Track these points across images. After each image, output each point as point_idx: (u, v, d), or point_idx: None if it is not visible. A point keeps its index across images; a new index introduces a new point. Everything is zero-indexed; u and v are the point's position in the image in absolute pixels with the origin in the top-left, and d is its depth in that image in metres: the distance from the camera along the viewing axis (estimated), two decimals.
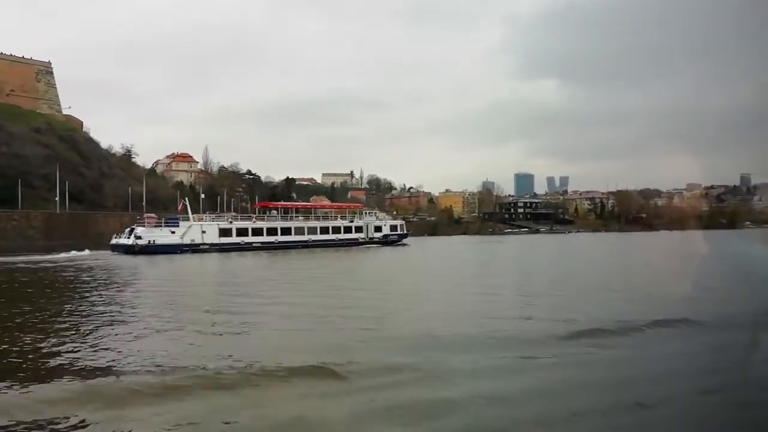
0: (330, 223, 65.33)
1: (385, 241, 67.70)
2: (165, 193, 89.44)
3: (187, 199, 59.68)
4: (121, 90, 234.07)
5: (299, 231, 61.14)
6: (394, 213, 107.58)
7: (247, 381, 8.21)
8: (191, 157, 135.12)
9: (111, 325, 13.35)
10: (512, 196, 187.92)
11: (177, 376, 8.48)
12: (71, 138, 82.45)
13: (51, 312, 15.88)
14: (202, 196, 76.32)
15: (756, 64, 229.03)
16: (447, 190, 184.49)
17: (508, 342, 10.92)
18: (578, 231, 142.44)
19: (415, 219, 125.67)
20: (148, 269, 33.95)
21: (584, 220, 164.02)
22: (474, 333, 11.84)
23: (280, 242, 57.99)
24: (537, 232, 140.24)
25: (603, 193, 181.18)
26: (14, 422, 6.57)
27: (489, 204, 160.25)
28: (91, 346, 10.84)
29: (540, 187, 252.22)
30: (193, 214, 56.14)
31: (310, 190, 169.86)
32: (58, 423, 6.62)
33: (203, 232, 53.80)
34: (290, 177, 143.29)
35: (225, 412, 6.98)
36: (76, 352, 10.35)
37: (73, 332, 12.42)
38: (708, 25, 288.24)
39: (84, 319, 14.51)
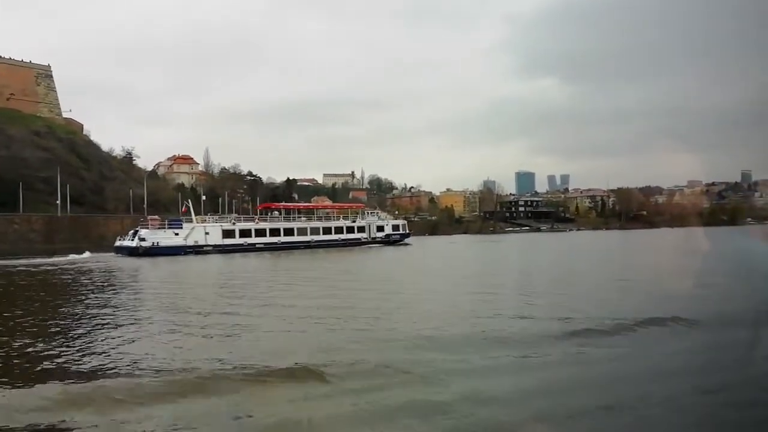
0: (332, 224, 65.45)
1: (388, 241, 67.82)
2: (166, 195, 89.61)
3: (189, 200, 59.89)
4: (121, 90, 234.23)
5: (302, 232, 61.30)
6: (396, 213, 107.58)
7: (231, 385, 8.14)
8: (192, 158, 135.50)
9: (104, 327, 13.36)
10: (513, 195, 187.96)
11: (160, 379, 8.49)
12: (71, 141, 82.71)
13: (49, 315, 15.92)
14: (203, 197, 76.39)
15: (756, 64, 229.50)
16: (448, 190, 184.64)
17: (506, 341, 10.87)
18: (579, 229, 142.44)
19: (416, 218, 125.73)
20: (151, 271, 34.02)
21: (585, 218, 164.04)
22: (470, 333, 11.77)
23: (282, 243, 58.11)
24: (538, 230, 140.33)
25: (604, 191, 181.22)
26: (8, 426, 6.60)
27: (490, 203, 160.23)
28: (84, 349, 10.86)
29: (541, 186, 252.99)
30: (195, 215, 56.30)
31: (311, 190, 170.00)
32: (52, 426, 6.65)
33: (206, 233, 53.92)
34: (291, 178, 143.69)
35: (206, 417, 6.95)
36: (66, 355, 10.39)
37: (66, 335, 12.47)
38: (708, 25, 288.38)
39: (80, 321, 14.53)
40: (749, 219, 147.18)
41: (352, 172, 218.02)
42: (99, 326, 13.56)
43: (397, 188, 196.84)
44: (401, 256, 49.70)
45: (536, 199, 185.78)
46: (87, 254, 47.23)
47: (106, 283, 25.80)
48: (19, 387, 8.27)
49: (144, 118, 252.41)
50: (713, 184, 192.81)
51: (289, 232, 60.17)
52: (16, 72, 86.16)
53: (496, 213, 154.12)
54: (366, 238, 66.17)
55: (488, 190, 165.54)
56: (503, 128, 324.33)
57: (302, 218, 65.35)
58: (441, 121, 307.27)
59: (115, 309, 16.61)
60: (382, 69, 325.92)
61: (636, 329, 11.80)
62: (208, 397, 7.63)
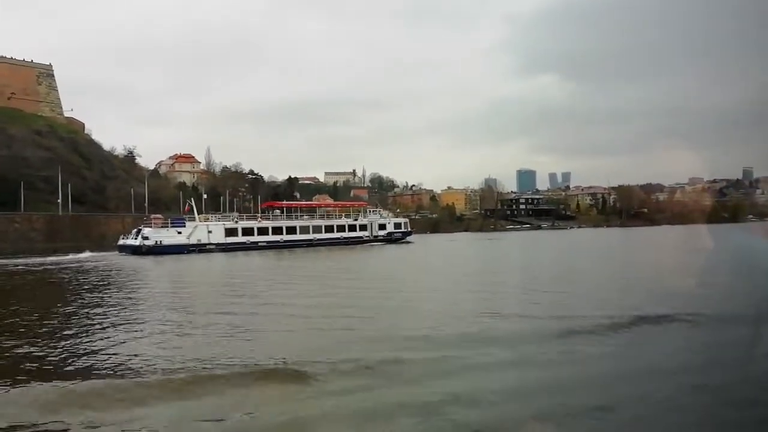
0: (335, 222, 65.61)
1: (390, 239, 67.95)
2: (167, 193, 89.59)
3: (192, 199, 60.01)
4: (121, 90, 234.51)
5: (304, 230, 61.47)
6: (397, 211, 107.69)
7: (226, 385, 8.13)
8: (194, 157, 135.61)
9: (104, 327, 13.41)
10: (514, 193, 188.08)
11: (155, 379, 8.52)
12: (73, 140, 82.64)
13: (47, 314, 15.99)
14: (205, 196, 76.45)
15: (756, 64, 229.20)
16: (449, 188, 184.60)
17: (506, 340, 10.89)
18: (580, 227, 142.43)
19: (417, 216, 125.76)
20: (155, 270, 34.15)
21: (586, 216, 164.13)
22: (470, 331, 11.75)
23: (285, 241, 58.29)
24: (539, 228, 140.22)
25: (605, 189, 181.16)
26: (7, 426, 6.63)
27: (491, 201, 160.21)
28: (84, 349, 10.92)
29: (542, 184, 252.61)
30: (198, 214, 56.42)
31: (312, 189, 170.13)
32: (50, 426, 6.69)
33: (209, 232, 54.10)
34: (293, 176, 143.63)
35: (202, 417, 6.95)
36: (63, 355, 10.46)
37: (63, 334, 12.56)
38: (708, 25, 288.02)
39: (79, 321, 14.58)
40: (750, 216, 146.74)
41: (354, 171, 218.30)
42: (99, 326, 13.60)
43: (398, 186, 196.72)
44: (403, 254, 49.77)
45: (537, 196, 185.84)
46: (87, 254, 47.13)
47: (108, 282, 25.86)
48: (18, 387, 8.32)
49: (144, 118, 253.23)
50: (714, 181, 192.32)
51: (291, 230, 60.33)
52: (17, 71, 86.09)
53: (497, 211, 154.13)
54: (368, 236, 66.31)
55: (489, 188, 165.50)
56: (503, 128, 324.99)
57: (304, 217, 65.50)
58: (441, 120, 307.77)
59: (116, 308, 16.64)
60: (382, 69, 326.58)
61: (636, 327, 11.80)
62: (203, 397, 7.64)
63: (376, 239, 66.53)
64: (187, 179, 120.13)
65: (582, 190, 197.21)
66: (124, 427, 6.65)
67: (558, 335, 11.11)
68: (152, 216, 56.22)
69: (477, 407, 7.17)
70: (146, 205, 73.55)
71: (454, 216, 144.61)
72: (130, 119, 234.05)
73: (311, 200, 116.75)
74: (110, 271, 32.49)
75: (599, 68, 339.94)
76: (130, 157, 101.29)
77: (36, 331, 12.95)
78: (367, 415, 6.93)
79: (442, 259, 42.48)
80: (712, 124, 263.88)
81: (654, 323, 12.15)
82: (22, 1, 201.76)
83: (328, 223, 64.85)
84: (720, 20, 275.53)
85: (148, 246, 48.94)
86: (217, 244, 53.30)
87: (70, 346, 11.20)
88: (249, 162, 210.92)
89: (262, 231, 58.05)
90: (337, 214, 71.16)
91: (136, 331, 12.73)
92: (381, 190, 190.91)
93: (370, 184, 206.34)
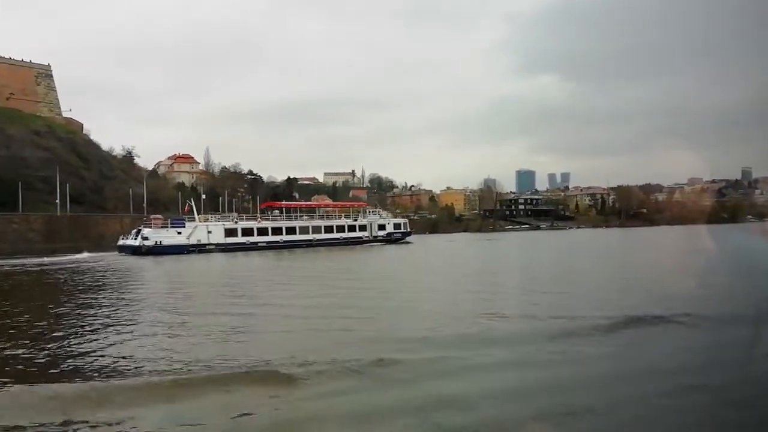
0: (334, 222, 65.64)
1: (389, 240, 68.00)
2: (166, 194, 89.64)
3: (191, 199, 59.99)
4: (121, 90, 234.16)
5: (304, 230, 61.49)
6: (396, 211, 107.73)
7: (202, 388, 8.06)
8: (192, 158, 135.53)
9: (104, 326, 13.38)
10: (513, 193, 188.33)
11: (152, 379, 8.49)
12: (71, 140, 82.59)
13: (44, 315, 15.95)
14: (204, 196, 76.44)
15: (756, 64, 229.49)
16: (448, 188, 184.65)
17: (505, 340, 10.88)
18: (579, 227, 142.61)
19: (416, 217, 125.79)
20: (154, 270, 34.10)
21: (585, 216, 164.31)
22: (469, 332, 11.74)
23: (285, 242, 58.33)
24: (538, 228, 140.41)
25: (604, 189, 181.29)
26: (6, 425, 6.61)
27: (490, 201, 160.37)
28: (83, 349, 10.88)
29: (541, 184, 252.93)
30: (197, 214, 56.38)
31: (311, 189, 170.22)
32: (46, 426, 6.65)
33: (209, 232, 54.11)
34: (291, 176, 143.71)
35: (196, 418, 6.90)
36: (61, 355, 10.44)
37: (61, 335, 12.49)
38: (708, 25, 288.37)
39: (77, 321, 14.53)
40: (750, 216, 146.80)
41: (353, 171, 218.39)
42: (89, 327, 13.51)
43: (397, 187, 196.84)
44: (403, 254, 49.77)
45: (536, 197, 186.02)
46: (85, 254, 46.72)
47: (105, 283, 25.78)
48: (16, 386, 8.28)
49: (144, 118, 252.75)
50: (714, 181, 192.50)
51: (291, 230, 60.32)
52: (16, 71, 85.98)
53: (496, 211, 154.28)
54: (368, 237, 66.35)
55: (488, 189, 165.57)
56: (503, 128, 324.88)
57: (304, 217, 65.47)
58: (441, 121, 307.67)
59: (115, 309, 16.58)
60: (382, 69, 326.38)
61: (635, 328, 11.79)
62: (191, 400, 7.59)
63: (375, 240, 66.54)
64: (186, 180, 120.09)
65: (581, 190, 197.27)
66: (111, 428, 6.56)
67: (557, 335, 11.08)
68: (152, 216, 56.23)
69: (476, 407, 7.14)
70: (145, 205, 73.63)
71: (453, 216, 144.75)
72: (130, 119, 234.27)
73: (310, 200, 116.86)
74: (109, 271, 32.41)
75: (599, 68, 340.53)
76: (128, 157, 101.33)
77: (26, 333, 12.84)
78: (363, 417, 6.89)
79: (441, 259, 42.46)
80: (712, 124, 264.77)
81: (653, 323, 12.14)
82: (22, 1, 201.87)
83: (328, 223, 64.85)
84: (720, 20, 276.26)
85: (148, 246, 48.92)
86: (217, 245, 53.29)
87: (58, 348, 11.10)
88: (248, 162, 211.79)
89: (262, 231, 58.07)
90: (337, 214, 71.15)
91: (127, 332, 12.61)
92: (380, 191, 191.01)
93: (369, 185, 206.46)
